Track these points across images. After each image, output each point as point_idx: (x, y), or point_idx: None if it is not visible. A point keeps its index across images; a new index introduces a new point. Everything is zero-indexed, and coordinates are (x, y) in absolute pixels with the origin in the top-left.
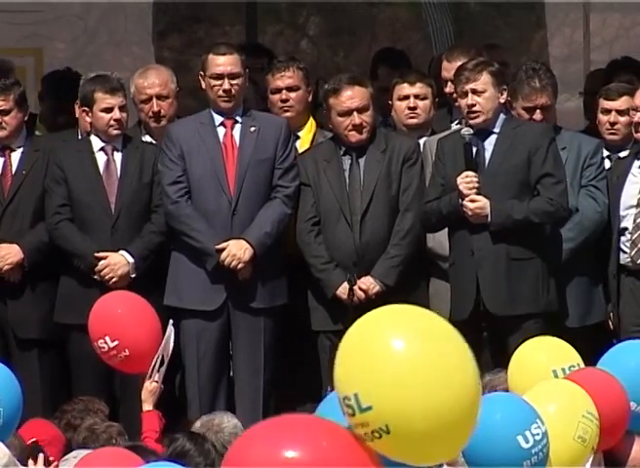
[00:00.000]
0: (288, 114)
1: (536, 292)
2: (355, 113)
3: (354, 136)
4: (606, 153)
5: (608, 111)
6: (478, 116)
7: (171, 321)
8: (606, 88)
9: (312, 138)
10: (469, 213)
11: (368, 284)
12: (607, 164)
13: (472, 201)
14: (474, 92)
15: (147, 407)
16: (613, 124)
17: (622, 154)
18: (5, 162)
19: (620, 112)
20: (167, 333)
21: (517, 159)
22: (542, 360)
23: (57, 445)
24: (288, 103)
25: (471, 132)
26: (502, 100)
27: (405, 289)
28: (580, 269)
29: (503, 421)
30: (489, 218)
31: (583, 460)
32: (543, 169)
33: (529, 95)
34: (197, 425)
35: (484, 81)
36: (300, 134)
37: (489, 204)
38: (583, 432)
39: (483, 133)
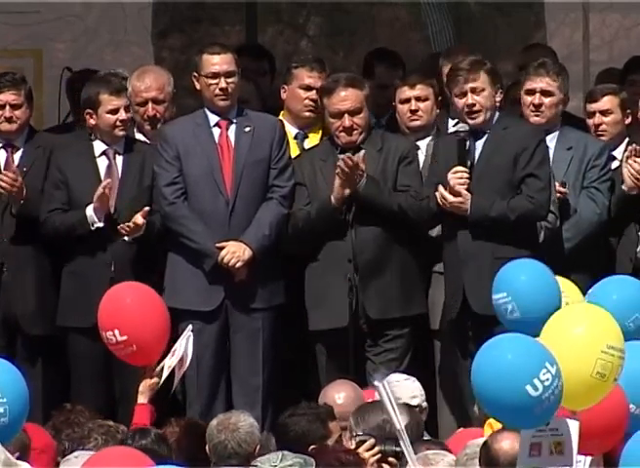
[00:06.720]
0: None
1: None
2: (346, 115)
3: (344, 138)
4: None
5: (593, 114)
6: (479, 115)
7: (190, 326)
8: (589, 90)
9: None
10: (447, 205)
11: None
12: (615, 164)
13: (456, 194)
14: (473, 91)
15: (142, 399)
16: (597, 126)
17: (616, 153)
18: (7, 158)
19: (603, 113)
20: (185, 336)
21: (503, 159)
22: None
23: (49, 452)
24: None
25: (466, 128)
26: (498, 99)
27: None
28: (579, 270)
29: (511, 368)
30: (468, 212)
31: (603, 394)
32: (527, 169)
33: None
34: (213, 424)
35: (482, 80)
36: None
37: (470, 198)
38: (602, 368)
39: (478, 132)
